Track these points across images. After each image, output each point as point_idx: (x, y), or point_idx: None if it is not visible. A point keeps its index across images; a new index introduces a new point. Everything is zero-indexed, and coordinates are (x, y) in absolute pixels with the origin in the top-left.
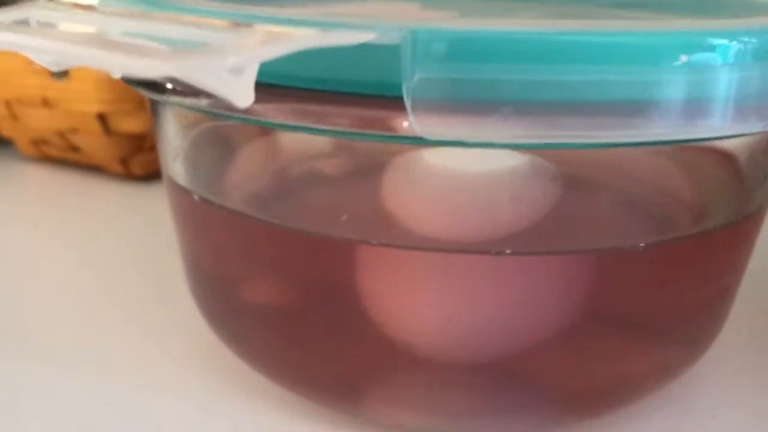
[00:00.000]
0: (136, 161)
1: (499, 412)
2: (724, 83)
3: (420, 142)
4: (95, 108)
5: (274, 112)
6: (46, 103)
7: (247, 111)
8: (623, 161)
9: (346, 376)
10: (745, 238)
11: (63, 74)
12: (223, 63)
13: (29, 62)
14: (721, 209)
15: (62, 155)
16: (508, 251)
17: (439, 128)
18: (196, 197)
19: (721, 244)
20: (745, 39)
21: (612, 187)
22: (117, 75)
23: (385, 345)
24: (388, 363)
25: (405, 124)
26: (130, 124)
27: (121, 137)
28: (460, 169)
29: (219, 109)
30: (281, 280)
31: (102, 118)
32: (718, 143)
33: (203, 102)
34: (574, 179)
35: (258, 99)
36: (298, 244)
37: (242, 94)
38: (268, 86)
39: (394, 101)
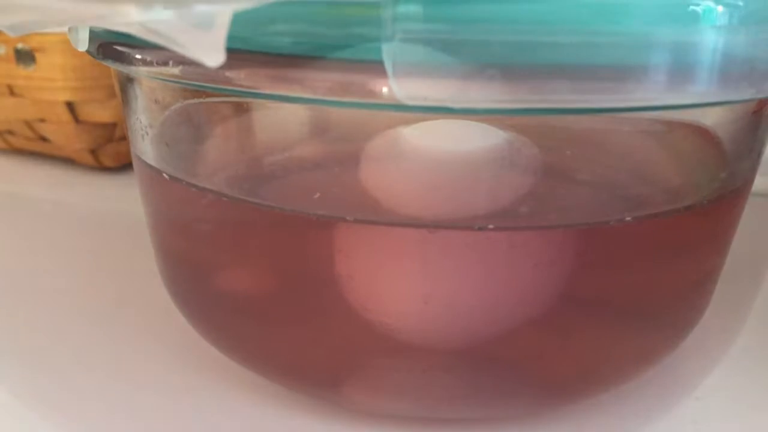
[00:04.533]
0: (107, 152)
1: (480, 397)
2: (715, 47)
3: (401, 108)
4: (63, 96)
5: (247, 79)
6: (11, 91)
7: (219, 79)
8: (605, 139)
9: (324, 362)
10: (728, 215)
11: (29, 61)
12: (191, 11)
13: None
14: (705, 185)
15: (30, 146)
16: (490, 226)
17: (421, 93)
18: (165, 176)
19: (707, 220)
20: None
21: (594, 165)
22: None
23: (364, 329)
24: (367, 348)
25: (385, 89)
26: (100, 112)
27: (91, 127)
28: (440, 148)
29: (190, 77)
30: (257, 263)
31: (70, 106)
32: (700, 118)
33: (174, 70)
34: (556, 157)
35: (230, 65)
36: (275, 224)
37: (213, 50)
38: (240, 52)
39: (373, 65)
